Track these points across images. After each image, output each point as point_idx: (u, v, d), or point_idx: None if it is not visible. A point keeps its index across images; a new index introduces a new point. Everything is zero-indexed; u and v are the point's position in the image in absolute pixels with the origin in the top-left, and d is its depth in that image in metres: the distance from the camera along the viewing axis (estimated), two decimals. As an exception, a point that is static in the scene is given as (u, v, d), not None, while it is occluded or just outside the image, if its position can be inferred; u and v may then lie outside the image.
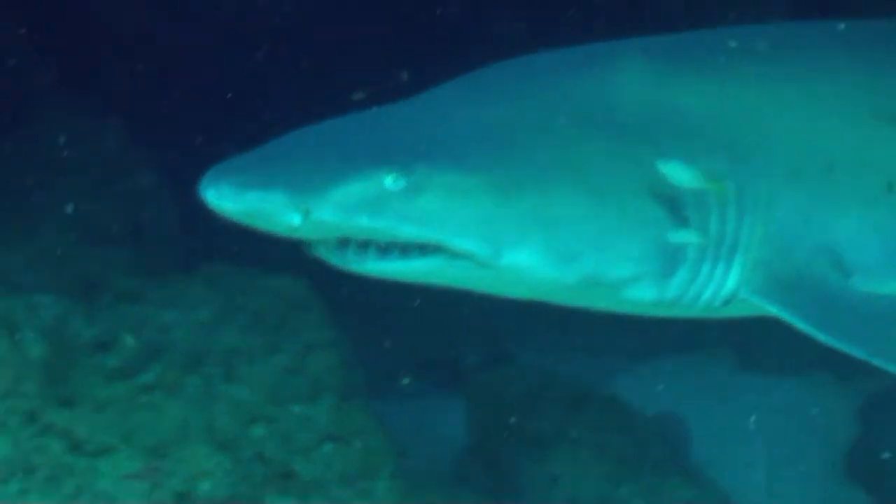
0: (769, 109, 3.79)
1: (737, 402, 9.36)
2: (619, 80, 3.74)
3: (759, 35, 3.96)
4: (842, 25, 4.01)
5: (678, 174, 3.52)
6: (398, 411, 7.17)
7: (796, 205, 3.72)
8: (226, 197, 3.26)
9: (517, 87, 3.75)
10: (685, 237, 3.59)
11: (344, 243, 3.44)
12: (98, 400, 5.33)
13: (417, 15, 8.59)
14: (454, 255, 3.44)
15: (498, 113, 3.61)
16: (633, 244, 3.55)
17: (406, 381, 7.65)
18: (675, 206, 3.58)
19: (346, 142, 3.49)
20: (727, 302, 3.77)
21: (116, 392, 5.37)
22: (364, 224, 3.33)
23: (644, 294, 3.65)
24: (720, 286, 3.74)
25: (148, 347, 5.52)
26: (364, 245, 3.43)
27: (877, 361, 3.46)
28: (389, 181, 3.32)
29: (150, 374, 5.48)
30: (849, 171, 3.77)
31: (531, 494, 6.83)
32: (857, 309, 3.68)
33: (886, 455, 8.05)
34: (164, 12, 9.03)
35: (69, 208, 6.73)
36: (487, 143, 3.52)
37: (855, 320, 3.62)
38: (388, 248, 3.44)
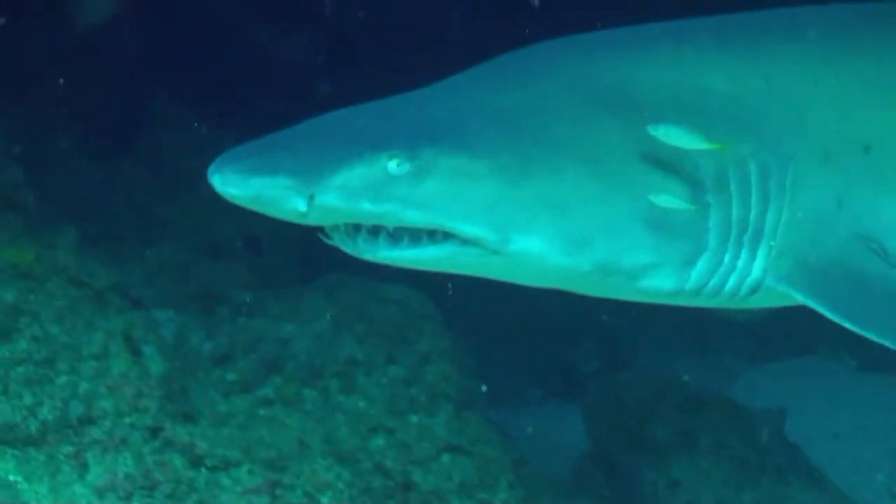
0: (799, 90, 3.67)
1: (857, 403, 9.15)
2: (638, 63, 3.65)
3: (787, 16, 3.87)
4: (876, 5, 3.90)
5: (671, 135, 3.39)
6: (516, 419, 7.15)
7: (828, 188, 3.60)
8: (230, 183, 3.29)
9: (534, 71, 3.67)
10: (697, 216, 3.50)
11: (357, 230, 3.41)
12: (218, 414, 5.41)
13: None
14: (465, 241, 3.38)
15: (511, 97, 3.54)
16: (644, 230, 3.47)
17: (525, 389, 7.62)
18: (694, 189, 3.49)
19: (352, 128, 3.46)
20: (754, 290, 3.66)
21: (236, 406, 5.45)
22: (368, 208, 3.30)
23: (663, 283, 3.56)
24: (745, 274, 3.63)
25: (266, 361, 5.58)
26: (375, 232, 3.39)
27: None
28: (393, 165, 3.29)
29: (268, 387, 5.54)
30: (888, 153, 3.65)
31: (651, 501, 6.75)
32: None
33: None
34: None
35: (187, 222, 6.85)
36: (497, 126, 3.45)
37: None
38: (400, 236, 3.39)
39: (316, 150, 3.34)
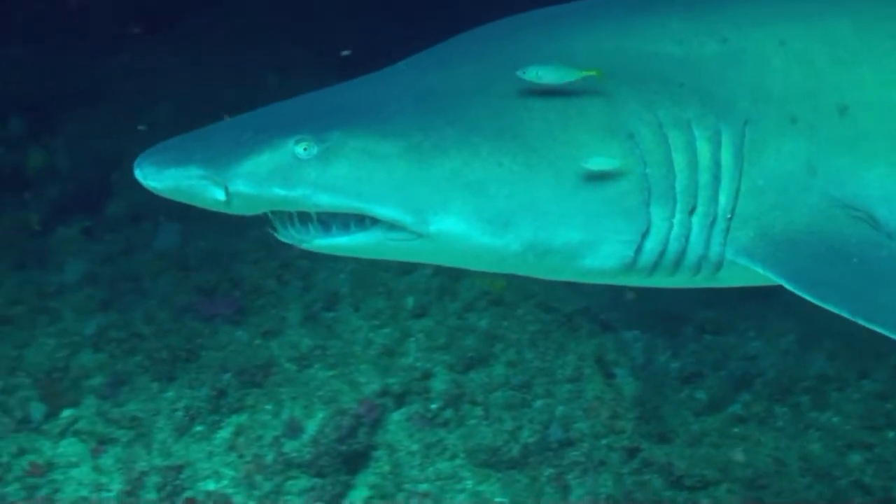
0: (760, 52, 3.51)
1: None
2: (576, 34, 3.61)
3: None
4: None
5: (541, 75, 3.33)
6: None
7: (796, 154, 3.42)
8: (149, 176, 3.49)
9: (466, 51, 3.70)
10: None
11: (290, 219, 3.54)
12: (692, 433, 5.90)
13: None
14: (391, 227, 3.46)
15: (434, 78, 3.60)
16: (573, 206, 3.42)
17: None
18: (629, 158, 3.41)
19: (270, 116, 3.63)
20: (718, 267, 3.49)
21: (708, 425, 5.91)
22: (280, 194, 3.43)
23: (606, 262, 3.49)
24: (702, 249, 3.49)
25: (735, 378, 5.97)
26: (304, 221, 3.51)
27: None
28: (300, 149, 3.42)
29: (737, 405, 5.92)
30: (868, 114, 3.42)
31: None
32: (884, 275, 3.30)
33: None
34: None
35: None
36: (415, 108, 3.52)
37: (879, 287, 3.27)
38: (329, 223, 3.51)
39: (228, 139, 3.52)
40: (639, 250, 3.48)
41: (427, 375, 6.07)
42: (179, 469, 5.84)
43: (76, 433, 6.10)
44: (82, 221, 7.76)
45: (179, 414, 6.02)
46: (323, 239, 3.52)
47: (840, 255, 3.37)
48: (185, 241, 7.26)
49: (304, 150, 3.43)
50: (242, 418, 5.97)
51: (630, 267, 3.51)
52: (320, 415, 5.88)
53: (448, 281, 6.42)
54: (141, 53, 9.11)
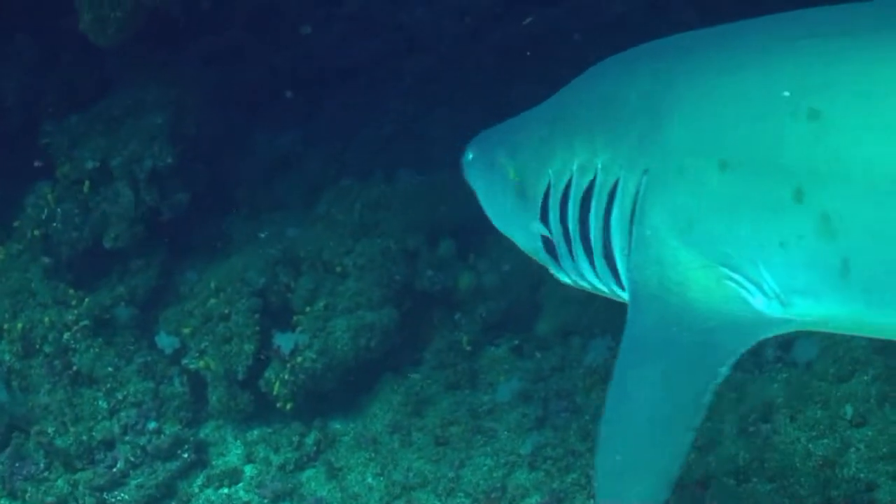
0: (665, 103, 3.82)
1: None
2: (585, 86, 4.48)
3: (687, 37, 4.17)
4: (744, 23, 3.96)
5: None
6: None
7: (680, 206, 3.69)
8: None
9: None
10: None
11: None
12: None
13: None
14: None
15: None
16: (526, 227, 4.68)
17: None
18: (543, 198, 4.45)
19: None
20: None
21: None
22: None
23: (566, 278, 4.62)
24: (612, 285, 4.11)
25: None
26: None
27: None
28: None
29: None
30: (745, 172, 3.54)
31: None
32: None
33: None
34: None
35: None
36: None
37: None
38: None
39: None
40: (579, 279, 4.50)
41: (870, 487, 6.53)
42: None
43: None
44: (511, 340, 8.80)
45: (617, 530, 6.80)
46: None
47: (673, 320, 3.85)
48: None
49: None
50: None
51: (573, 281, 4.58)
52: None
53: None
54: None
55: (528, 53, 11.27)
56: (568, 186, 4.29)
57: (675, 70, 3.92)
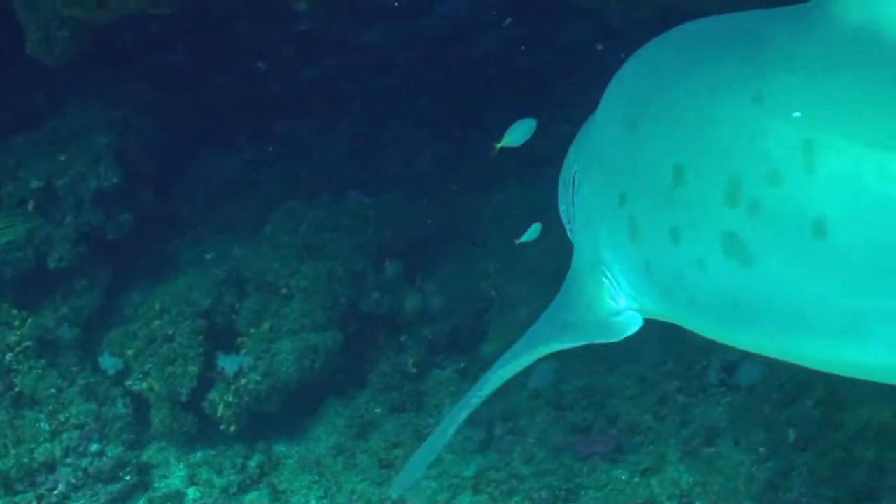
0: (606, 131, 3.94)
1: None
2: None
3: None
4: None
5: None
6: None
7: (583, 203, 3.99)
8: None
9: None
10: None
11: None
12: None
13: None
14: None
15: None
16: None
17: None
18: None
19: None
20: None
21: None
22: None
23: None
24: None
25: None
26: None
27: None
28: None
29: None
30: (599, 175, 3.78)
31: None
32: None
33: None
34: None
35: None
36: None
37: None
38: None
39: None
40: None
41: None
42: None
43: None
44: (457, 362, 8.76)
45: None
46: None
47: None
48: (560, 379, 8.10)
49: None
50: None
51: None
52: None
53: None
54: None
55: (480, 77, 11.29)
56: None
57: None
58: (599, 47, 10.26)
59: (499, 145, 7.21)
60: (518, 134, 7.08)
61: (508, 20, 11.06)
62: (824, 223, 2.98)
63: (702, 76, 3.47)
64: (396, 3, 11.23)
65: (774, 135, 3.11)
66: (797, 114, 3.09)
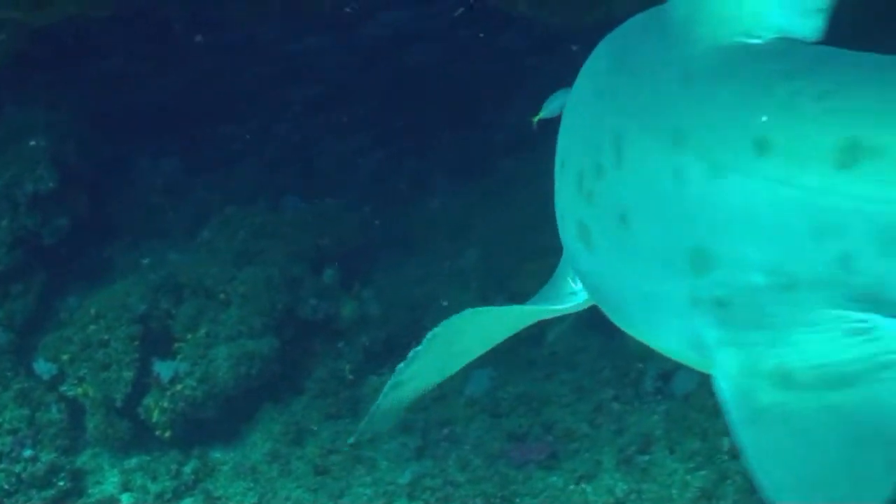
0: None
1: None
2: None
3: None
4: None
5: None
6: None
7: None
8: None
9: None
10: None
11: None
12: None
13: None
14: None
15: None
16: None
17: None
18: None
19: None
20: None
21: None
22: None
23: None
24: None
25: None
26: None
27: None
28: None
29: None
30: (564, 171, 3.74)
31: None
32: None
33: None
34: None
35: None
36: None
37: None
38: None
39: None
40: None
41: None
42: None
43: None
44: (394, 369, 8.73)
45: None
46: None
47: None
48: (496, 386, 8.12)
49: None
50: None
51: None
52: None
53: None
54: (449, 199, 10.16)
55: (415, 85, 11.30)
56: None
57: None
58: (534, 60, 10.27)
59: (536, 118, 7.21)
60: (556, 105, 6.99)
61: (460, 10, 11.03)
62: (627, 213, 3.14)
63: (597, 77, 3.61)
64: (349, 10, 11.17)
65: (602, 128, 3.30)
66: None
